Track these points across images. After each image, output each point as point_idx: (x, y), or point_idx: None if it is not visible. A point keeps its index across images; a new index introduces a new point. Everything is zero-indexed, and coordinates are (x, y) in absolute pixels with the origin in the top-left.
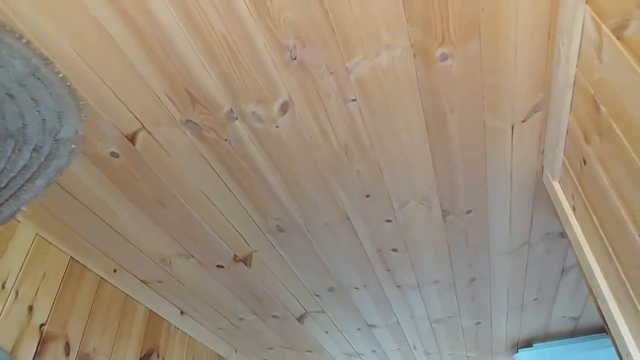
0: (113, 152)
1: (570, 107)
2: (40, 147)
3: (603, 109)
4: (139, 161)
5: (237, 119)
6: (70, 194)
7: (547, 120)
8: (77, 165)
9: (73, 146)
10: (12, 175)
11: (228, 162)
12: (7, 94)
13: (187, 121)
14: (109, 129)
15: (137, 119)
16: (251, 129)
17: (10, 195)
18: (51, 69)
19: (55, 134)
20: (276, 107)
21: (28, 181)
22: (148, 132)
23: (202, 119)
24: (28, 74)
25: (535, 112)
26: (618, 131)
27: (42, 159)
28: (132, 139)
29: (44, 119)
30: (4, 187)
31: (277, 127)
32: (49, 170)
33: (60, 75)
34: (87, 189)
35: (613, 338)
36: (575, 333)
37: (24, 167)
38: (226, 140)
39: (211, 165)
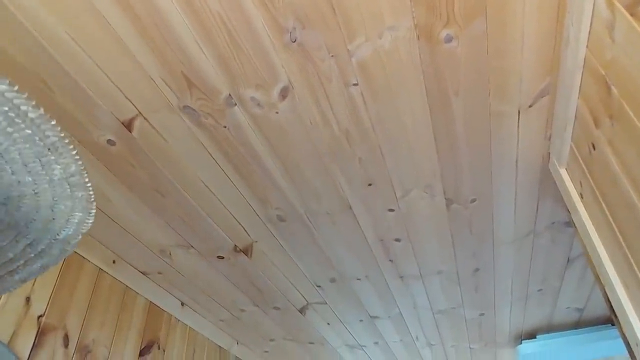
0: (110, 139)
1: (579, 90)
2: (36, 243)
3: (614, 90)
4: (136, 149)
5: (235, 104)
6: None
7: (555, 104)
8: None
9: (67, 249)
10: None
11: (227, 149)
12: (35, 190)
13: (185, 107)
14: (105, 116)
15: (134, 105)
16: (250, 115)
17: None
18: (84, 177)
19: (57, 234)
20: (276, 91)
21: (8, 273)
22: (145, 118)
23: (200, 105)
24: (62, 178)
25: (543, 96)
26: (630, 112)
27: (32, 255)
28: (128, 125)
29: (54, 218)
30: None
31: (276, 112)
32: (33, 267)
33: (89, 184)
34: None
35: (621, 327)
36: (579, 324)
37: (11, 260)
38: (225, 126)
39: (209, 153)
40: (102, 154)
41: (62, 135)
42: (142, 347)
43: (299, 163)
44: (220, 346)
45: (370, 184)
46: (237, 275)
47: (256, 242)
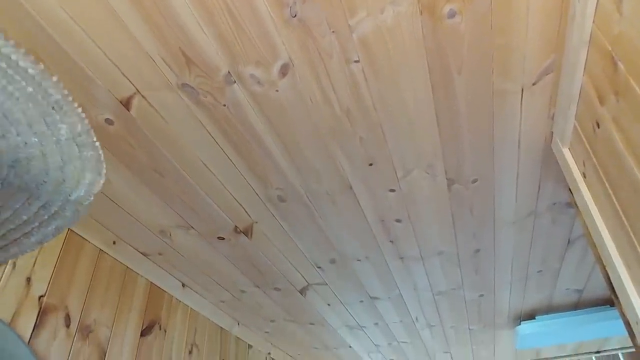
0: (108, 118)
1: (585, 67)
2: (49, 205)
3: (621, 65)
4: (134, 128)
5: (235, 82)
6: None
7: (559, 82)
8: None
9: (80, 210)
10: (11, 227)
11: (226, 128)
12: (42, 152)
13: (183, 85)
14: (103, 95)
15: (132, 83)
16: (250, 93)
17: (2, 247)
18: (92, 136)
19: (69, 196)
20: (275, 69)
21: (24, 236)
22: (143, 97)
23: (199, 83)
24: (69, 138)
25: (547, 74)
26: (636, 88)
27: (46, 217)
28: (126, 104)
29: (64, 180)
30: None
31: (276, 90)
32: (48, 229)
33: (97, 143)
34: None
35: (621, 306)
36: (578, 305)
37: (25, 222)
38: (224, 105)
39: (209, 132)
40: (101, 134)
41: (66, 92)
42: (143, 328)
43: (299, 142)
44: (221, 327)
45: (371, 164)
46: (238, 256)
47: (256, 222)
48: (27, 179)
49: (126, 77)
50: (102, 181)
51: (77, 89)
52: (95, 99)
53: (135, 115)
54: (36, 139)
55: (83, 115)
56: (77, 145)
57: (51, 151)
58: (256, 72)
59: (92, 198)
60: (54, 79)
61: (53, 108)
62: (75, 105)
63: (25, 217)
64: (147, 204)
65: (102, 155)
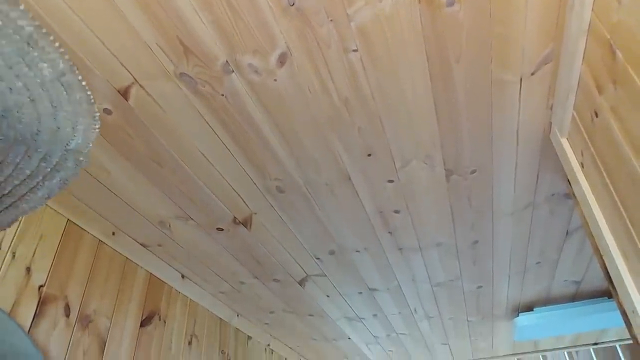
0: (106, 108)
1: (583, 56)
2: (49, 156)
3: (619, 54)
4: (132, 118)
5: (233, 71)
6: None
7: (558, 71)
8: None
9: (81, 159)
10: (16, 182)
11: (224, 118)
12: (30, 97)
13: (181, 74)
14: (101, 84)
15: (130, 72)
16: (248, 83)
17: (11, 204)
18: (77, 75)
19: (67, 144)
20: (273, 58)
21: (30, 191)
22: (141, 86)
23: (197, 72)
24: (53, 78)
25: (546, 63)
26: (634, 76)
27: (49, 169)
28: (124, 94)
29: (58, 127)
30: (6, 194)
31: (274, 80)
32: (53, 182)
33: (83, 83)
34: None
35: (618, 296)
36: (576, 297)
37: (29, 176)
38: (222, 94)
39: (207, 122)
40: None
41: (37, 23)
42: (143, 318)
43: (297, 132)
44: (220, 318)
45: (369, 154)
46: (237, 248)
47: (255, 213)
48: (21, 130)
49: (124, 66)
50: (97, 126)
51: None
52: (93, 88)
53: (133, 105)
54: (20, 83)
55: (62, 50)
56: (63, 86)
57: (39, 96)
58: (254, 61)
59: (90, 145)
60: (21, 7)
61: (28, 44)
62: (52, 38)
63: (28, 172)
64: (146, 194)
65: (92, 96)
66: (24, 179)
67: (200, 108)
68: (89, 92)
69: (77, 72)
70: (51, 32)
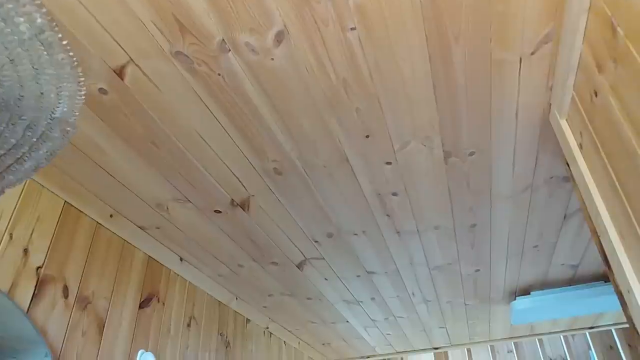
0: (101, 88)
1: (584, 35)
2: (34, 125)
3: (620, 31)
4: (128, 97)
5: (229, 50)
6: None
7: (558, 51)
8: None
9: (68, 129)
10: (1, 152)
11: (221, 99)
12: (9, 57)
13: (177, 53)
14: (96, 63)
15: (125, 51)
16: (245, 62)
17: None
18: (56, 32)
19: (52, 112)
20: (270, 36)
21: (17, 162)
22: (136, 65)
23: (193, 51)
24: (32, 36)
25: (546, 43)
26: (635, 53)
27: (35, 139)
28: (120, 73)
29: (42, 92)
30: None
31: (272, 59)
32: (39, 153)
33: (65, 42)
34: (77, 128)
35: (614, 276)
36: (573, 281)
37: (15, 146)
38: (219, 74)
39: (204, 102)
40: (95, 104)
41: None
42: (142, 300)
43: (295, 113)
44: (219, 301)
45: (367, 136)
46: (235, 230)
47: (253, 196)
48: (2, 94)
49: (119, 45)
50: (83, 92)
51: None
52: (88, 68)
53: (129, 84)
54: None
55: (38, 1)
56: (43, 45)
57: (18, 56)
58: (251, 40)
59: (77, 114)
60: None
61: None
62: None
63: (13, 141)
64: (143, 176)
65: (76, 60)
66: (10, 149)
67: (196, 88)
68: (71, 54)
69: (56, 29)
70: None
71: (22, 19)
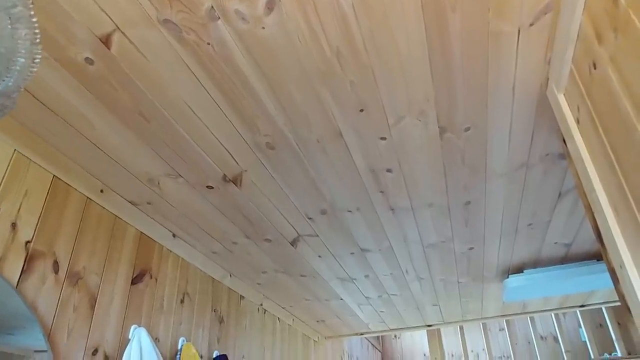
0: (87, 57)
1: (585, 4)
2: None
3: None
4: (115, 68)
5: (219, 18)
6: (46, 106)
7: (558, 22)
8: (50, 74)
9: (7, 104)
10: None
11: (211, 69)
12: None
13: (165, 20)
14: (81, 32)
15: (111, 18)
16: (235, 31)
17: None
18: (29, 9)
19: None
20: (261, 4)
21: None
22: (123, 33)
23: (181, 18)
24: (2, 8)
25: (545, 13)
26: (636, 21)
27: None
28: (106, 42)
29: None
30: None
31: (262, 28)
32: None
33: (34, 20)
34: (64, 100)
35: (607, 252)
36: (566, 260)
37: None
38: (208, 43)
39: (194, 73)
40: (81, 74)
41: None
42: (134, 276)
43: (287, 85)
44: (213, 277)
45: (361, 110)
46: (228, 206)
47: (245, 171)
48: None
49: (104, 11)
50: (35, 69)
51: (54, 25)
52: (73, 36)
53: (115, 53)
54: None
55: None
56: (10, 19)
57: None
58: (241, 7)
59: (21, 89)
60: None
61: None
62: None
63: None
64: (133, 150)
65: (39, 37)
66: None
67: (185, 58)
68: (37, 31)
69: (31, 6)
70: None
71: None
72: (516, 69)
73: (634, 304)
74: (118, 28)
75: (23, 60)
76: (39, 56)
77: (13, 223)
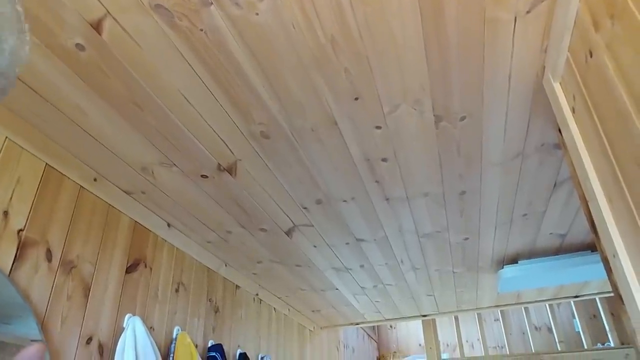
0: (78, 43)
1: None
2: None
3: None
4: (107, 54)
5: (212, 3)
6: (38, 93)
7: (554, 10)
8: (41, 60)
9: (4, 85)
10: None
11: (204, 56)
12: None
13: (157, 6)
14: (72, 17)
15: (101, 3)
16: (228, 17)
17: None
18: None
19: None
20: None
21: None
22: (114, 19)
23: (173, 3)
24: None
25: (542, 0)
26: (633, 7)
27: None
28: (97, 27)
29: None
30: None
31: (256, 14)
32: None
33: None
34: (55, 87)
35: (600, 241)
36: (560, 250)
37: None
38: (201, 29)
39: (186, 60)
40: (72, 61)
41: None
42: (128, 265)
43: (281, 72)
44: (208, 267)
45: (356, 98)
46: (222, 196)
47: (240, 160)
48: None
49: None
50: (27, 48)
51: (44, 10)
52: (63, 21)
53: (107, 40)
54: None
55: None
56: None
57: None
58: None
59: (18, 70)
60: None
61: None
62: None
63: None
64: (127, 138)
65: (23, 14)
66: None
67: (178, 44)
68: (20, 9)
69: None
70: None
71: None
72: (512, 58)
73: (626, 293)
74: (109, 13)
75: (12, 38)
76: (28, 36)
77: (5, 211)
